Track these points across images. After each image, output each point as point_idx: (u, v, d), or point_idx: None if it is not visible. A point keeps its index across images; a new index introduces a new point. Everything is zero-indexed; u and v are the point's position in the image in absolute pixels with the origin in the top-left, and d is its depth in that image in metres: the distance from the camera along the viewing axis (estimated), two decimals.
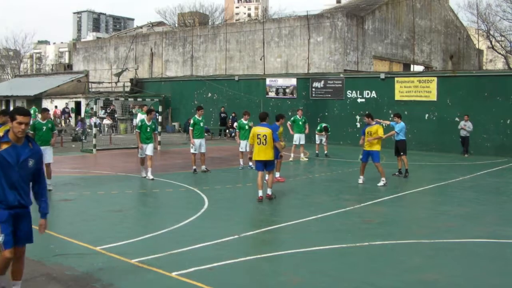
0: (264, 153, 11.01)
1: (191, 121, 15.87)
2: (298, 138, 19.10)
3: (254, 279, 6.46)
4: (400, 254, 7.54)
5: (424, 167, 18.55)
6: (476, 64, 46.48)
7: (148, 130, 14.36)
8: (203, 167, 15.75)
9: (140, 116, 18.31)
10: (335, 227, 9.14)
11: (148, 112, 15.04)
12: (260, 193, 11.06)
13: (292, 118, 19.65)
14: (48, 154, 12.20)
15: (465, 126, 21.70)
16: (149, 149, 14.28)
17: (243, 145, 16.48)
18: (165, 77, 39.57)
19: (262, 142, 10.97)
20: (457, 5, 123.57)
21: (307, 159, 19.25)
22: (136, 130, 14.67)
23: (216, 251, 7.36)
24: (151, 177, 14.01)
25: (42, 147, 11.91)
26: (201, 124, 15.84)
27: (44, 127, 12.37)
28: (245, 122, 16.89)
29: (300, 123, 19.16)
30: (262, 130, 11.04)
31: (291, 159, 18.75)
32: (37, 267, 6.52)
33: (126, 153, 21.54)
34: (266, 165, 11.15)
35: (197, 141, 15.57)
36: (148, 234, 8.24)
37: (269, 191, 11.23)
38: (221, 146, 25.05)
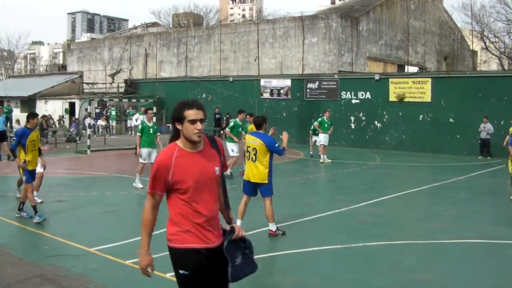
0: (251, 172, 8.19)
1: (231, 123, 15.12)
2: (323, 138, 18.99)
3: (248, 280, 6.42)
4: (395, 254, 7.56)
5: (418, 168, 18.61)
6: (470, 65, 46.63)
7: (151, 132, 12.86)
8: None
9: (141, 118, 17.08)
10: (330, 228, 9.14)
11: (145, 111, 13.94)
12: (239, 222, 8.07)
13: (319, 119, 19.49)
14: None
15: (484, 128, 21.49)
16: (154, 155, 12.59)
17: None
18: (160, 78, 39.51)
19: (251, 158, 8.13)
20: (451, 6, 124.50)
21: (330, 161, 18.95)
22: (138, 133, 12.98)
23: None
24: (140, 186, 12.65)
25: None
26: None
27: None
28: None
29: (326, 125, 19.12)
30: (252, 141, 8.21)
31: (321, 160, 18.73)
32: (31, 269, 6.49)
33: (121, 154, 21.49)
34: (258, 188, 8.29)
35: None
36: None
37: (272, 227, 8.24)
38: None
